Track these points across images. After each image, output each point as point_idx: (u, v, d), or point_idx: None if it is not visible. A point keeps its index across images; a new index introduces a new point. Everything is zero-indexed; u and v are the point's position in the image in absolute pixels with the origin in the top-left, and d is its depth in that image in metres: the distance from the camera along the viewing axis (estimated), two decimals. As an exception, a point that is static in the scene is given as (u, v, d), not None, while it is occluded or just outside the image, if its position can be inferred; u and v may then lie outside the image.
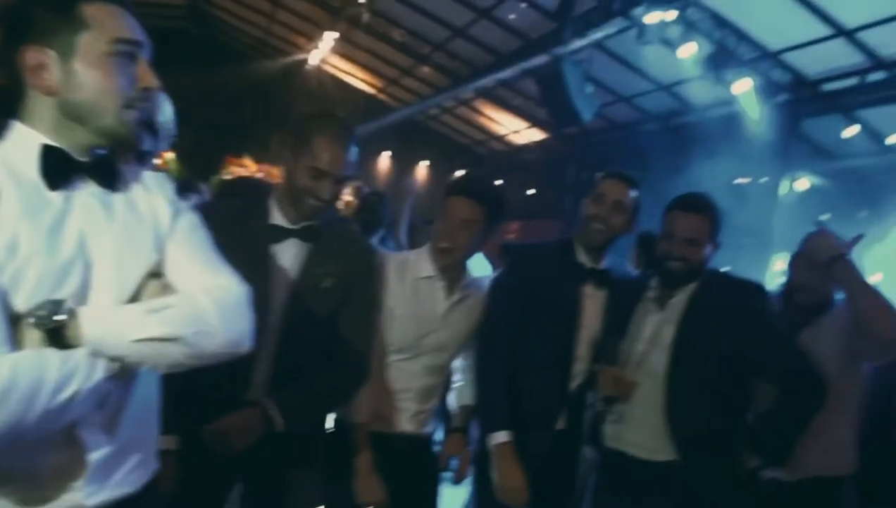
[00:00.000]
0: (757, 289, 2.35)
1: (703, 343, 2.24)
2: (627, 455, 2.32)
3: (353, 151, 2.00)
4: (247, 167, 12.58)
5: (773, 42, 7.02)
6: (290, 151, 1.98)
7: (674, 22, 6.26)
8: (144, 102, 1.25)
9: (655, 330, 2.33)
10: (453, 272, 2.32)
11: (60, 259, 1.15)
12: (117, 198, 1.27)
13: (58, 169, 1.19)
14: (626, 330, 2.37)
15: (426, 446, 2.41)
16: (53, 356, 1.10)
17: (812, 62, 7.07)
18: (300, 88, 13.03)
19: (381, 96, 14.11)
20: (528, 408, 2.33)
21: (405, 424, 2.29)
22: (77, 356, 1.11)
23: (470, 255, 2.31)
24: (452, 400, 2.52)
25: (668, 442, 2.24)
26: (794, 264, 2.57)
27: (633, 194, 2.40)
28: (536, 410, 2.35)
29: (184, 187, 3.92)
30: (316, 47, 11.97)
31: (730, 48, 6.87)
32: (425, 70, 11.69)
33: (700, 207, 2.31)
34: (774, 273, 5.86)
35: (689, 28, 6.52)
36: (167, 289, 1.26)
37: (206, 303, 1.23)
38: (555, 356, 2.37)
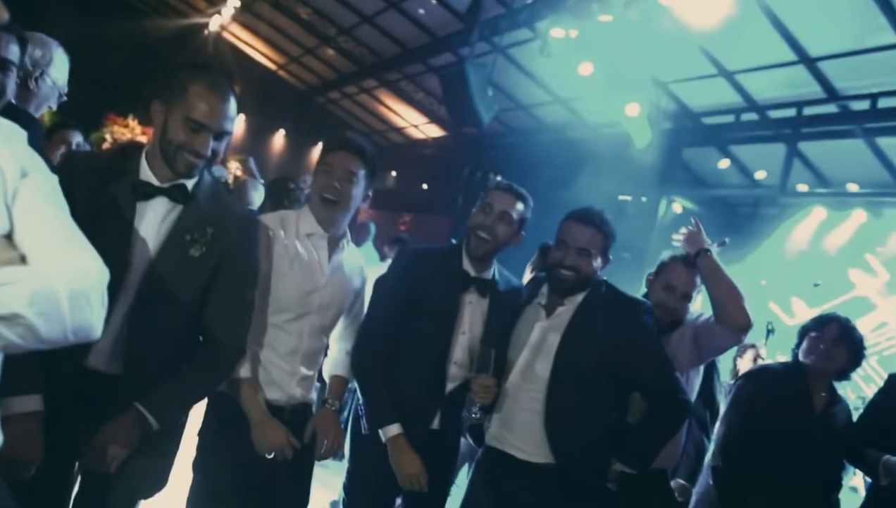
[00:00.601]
0: (642, 307, 2.44)
1: (586, 354, 2.32)
2: (506, 454, 2.38)
3: (233, 105, 1.88)
4: (130, 128, 11.92)
5: (663, 73, 7.46)
6: (163, 102, 1.84)
7: (575, 39, 6.47)
8: None
9: (541, 337, 2.40)
10: (336, 228, 2.31)
11: None
12: None
13: None
14: (508, 338, 2.45)
15: (310, 414, 2.37)
16: None
17: (696, 96, 7.58)
18: (196, 52, 12.48)
19: (281, 73, 13.78)
20: (403, 405, 2.37)
21: (294, 388, 2.27)
22: None
23: (352, 208, 2.29)
24: (325, 369, 2.52)
25: (546, 446, 2.32)
26: (652, 285, 2.77)
27: (520, 206, 2.46)
28: (411, 408, 2.39)
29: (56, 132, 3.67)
30: (217, 13, 11.52)
31: (625, 72, 7.22)
32: (329, 52, 11.52)
33: (595, 220, 2.40)
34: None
35: (589, 48, 6.77)
36: (14, 257, 1.10)
37: (58, 284, 1.09)
38: (431, 358, 2.42)
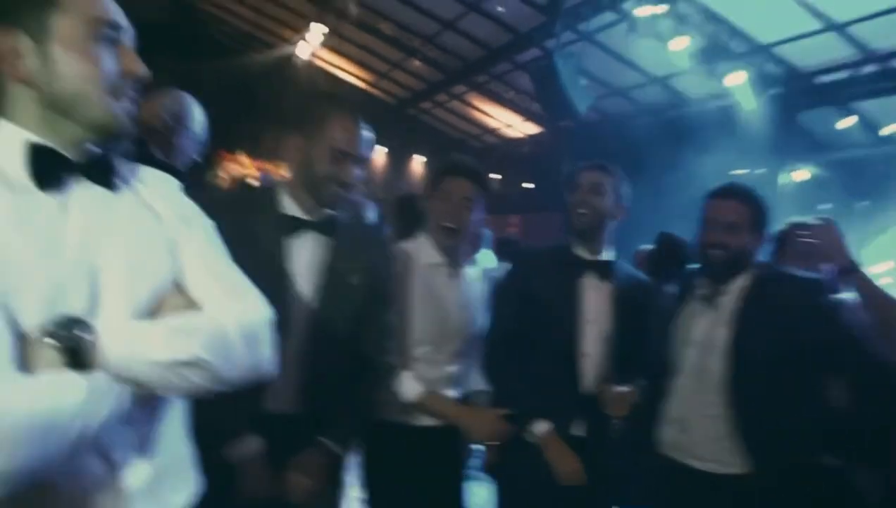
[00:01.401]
0: (816, 284, 2.16)
1: (762, 345, 2.09)
2: (687, 466, 2.19)
3: (367, 132, 1.93)
4: (242, 165, 12.49)
5: (765, 35, 7.00)
6: (303, 138, 1.89)
7: (664, 15, 6.23)
8: (133, 92, 1.15)
9: (707, 333, 2.20)
10: (457, 255, 2.33)
11: (63, 269, 1.05)
12: (119, 198, 1.16)
13: (48, 169, 1.08)
14: (641, 331, 2.30)
15: (457, 434, 2.38)
16: (74, 380, 1.00)
17: (804, 55, 7.06)
18: (290, 82, 12.92)
19: (373, 91, 14.03)
20: (540, 412, 2.28)
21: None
22: (98, 378, 1.02)
23: (471, 234, 2.33)
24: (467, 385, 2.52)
25: (737, 454, 2.10)
26: (781, 259, 2.52)
27: (609, 179, 2.38)
28: (546, 411, 2.29)
29: (195, 182, 3.83)
30: (305, 41, 11.86)
31: (722, 41, 6.85)
32: (415, 64, 11.62)
33: (738, 193, 2.23)
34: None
35: (680, 21, 6.49)
36: (188, 304, 1.17)
37: (231, 327, 1.15)
38: (559, 353, 2.33)
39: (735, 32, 6.94)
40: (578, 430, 2.32)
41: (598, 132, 10.30)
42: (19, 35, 1.06)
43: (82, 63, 1.08)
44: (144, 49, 1.19)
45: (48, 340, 1.01)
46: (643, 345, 2.35)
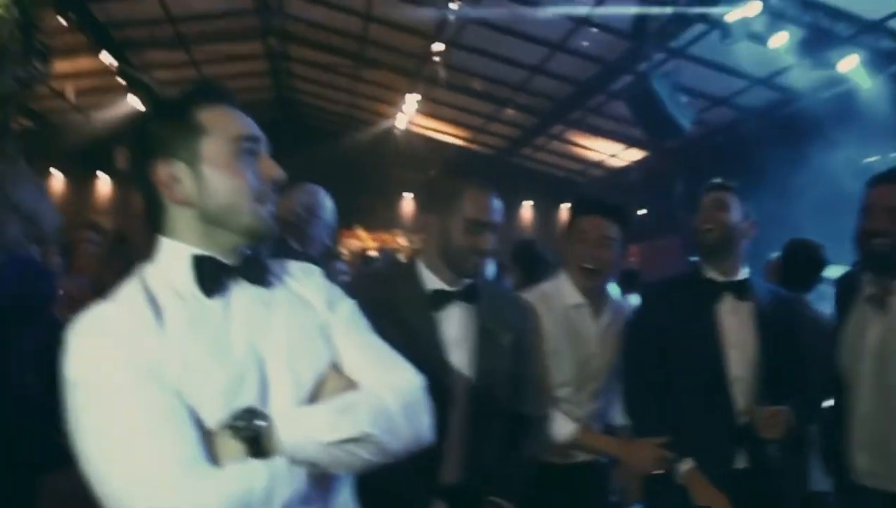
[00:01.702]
0: None
1: None
2: (888, 493, 1.98)
3: (497, 198, 1.98)
4: (361, 239, 13.01)
5: (872, 12, 6.59)
6: (439, 212, 1.94)
7: (758, 15, 6.01)
8: (275, 195, 1.25)
9: (881, 339, 2.01)
10: (599, 294, 2.32)
11: (235, 366, 1.15)
12: (273, 294, 1.26)
13: (212, 277, 1.19)
14: (795, 350, 2.16)
15: (603, 471, 2.39)
16: (258, 466, 1.08)
17: (920, 24, 6.59)
18: (393, 153, 13.40)
19: (473, 146, 14.27)
20: (695, 448, 2.16)
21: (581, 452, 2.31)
22: (278, 463, 1.10)
23: (613, 272, 2.31)
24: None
25: None
26: None
27: (731, 197, 2.28)
28: (703, 447, 2.16)
29: (329, 258, 4.04)
30: (402, 112, 12.30)
31: (825, 28, 6.51)
32: (510, 113, 11.76)
33: None
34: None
35: (776, 18, 6.23)
36: (347, 383, 1.23)
37: (390, 400, 1.20)
38: (708, 386, 2.22)
39: (838, 15, 6.58)
40: (740, 462, 2.18)
41: (707, 146, 9.97)
42: (175, 163, 1.21)
43: (231, 178, 1.20)
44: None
45: (229, 432, 1.10)
46: (797, 363, 2.21)
